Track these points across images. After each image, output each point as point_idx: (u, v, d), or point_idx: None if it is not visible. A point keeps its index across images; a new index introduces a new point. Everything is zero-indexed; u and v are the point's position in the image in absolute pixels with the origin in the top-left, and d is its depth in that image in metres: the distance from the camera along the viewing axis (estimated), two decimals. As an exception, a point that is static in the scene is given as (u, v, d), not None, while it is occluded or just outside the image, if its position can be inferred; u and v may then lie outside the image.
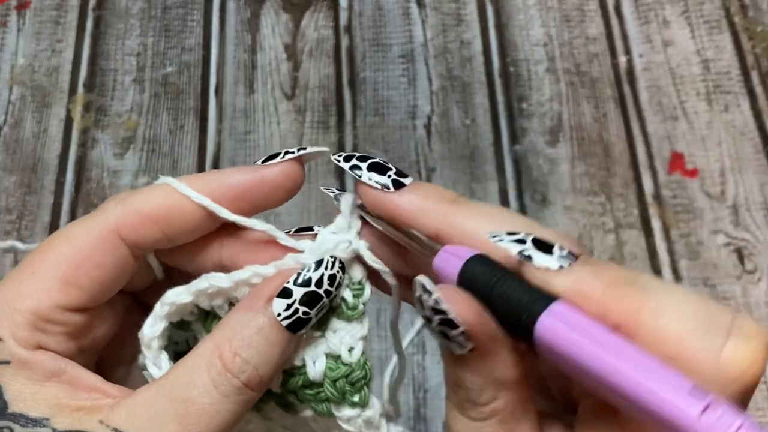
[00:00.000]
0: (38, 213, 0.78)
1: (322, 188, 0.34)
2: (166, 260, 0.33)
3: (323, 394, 0.30)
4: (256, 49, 0.88)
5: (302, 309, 0.28)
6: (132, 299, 0.34)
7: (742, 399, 0.23)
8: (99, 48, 0.88)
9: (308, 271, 0.29)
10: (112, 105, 0.84)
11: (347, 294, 0.31)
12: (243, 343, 0.27)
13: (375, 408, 0.31)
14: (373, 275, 0.32)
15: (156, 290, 0.33)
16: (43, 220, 0.78)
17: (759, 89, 0.85)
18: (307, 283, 0.28)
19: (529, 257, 0.25)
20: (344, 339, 0.30)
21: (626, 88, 0.86)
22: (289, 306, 0.28)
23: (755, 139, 0.83)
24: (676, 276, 0.77)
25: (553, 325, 0.23)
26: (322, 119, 0.84)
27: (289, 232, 0.33)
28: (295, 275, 0.28)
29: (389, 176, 0.29)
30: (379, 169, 0.29)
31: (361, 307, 0.31)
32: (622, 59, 0.87)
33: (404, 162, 0.81)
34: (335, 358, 0.30)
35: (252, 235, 0.31)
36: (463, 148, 0.82)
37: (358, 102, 0.85)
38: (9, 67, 0.86)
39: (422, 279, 0.25)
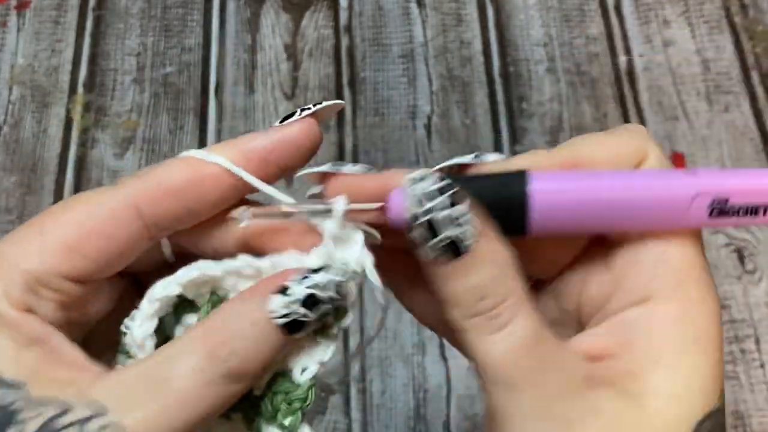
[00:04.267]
0: (38, 213, 0.78)
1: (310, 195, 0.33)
2: (182, 240, 0.31)
3: (261, 405, 0.29)
4: (256, 49, 0.88)
5: (302, 311, 0.27)
6: (130, 280, 0.33)
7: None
8: (99, 48, 0.88)
9: (315, 273, 0.28)
10: (112, 105, 0.84)
11: (331, 313, 0.29)
12: (234, 334, 0.26)
13: None
14: None
15: (158, 274, 0.32)
16: (42, 220, 0.78)
17: (759, 89, 0.85)
18: (312, 285, 0.27)
19: (480, 156, 0.27)
20: (302, 358, 0.29)
21: (626, 88, 0.86)
22: (288, 305, 0.27)
23: (755, 139, 0.83)
24: (677, 276, 0.77)
25: (544, 190, 0.26)
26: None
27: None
28: (301, 275, 0.28)
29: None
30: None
31: (335, 330, 0.29)
32: (623, 59, 0.87)
33: (404, 162, 0.81)
34: (286, 372, 0.29)
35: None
36: (463, 148, 0.82)
37: (358, 102, 0.85)
38: (9, 67, 0.86)
39: (415, 172, 0.26)
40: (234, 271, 0.29)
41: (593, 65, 0.87)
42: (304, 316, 0.27)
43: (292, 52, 0.88)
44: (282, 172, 0.30)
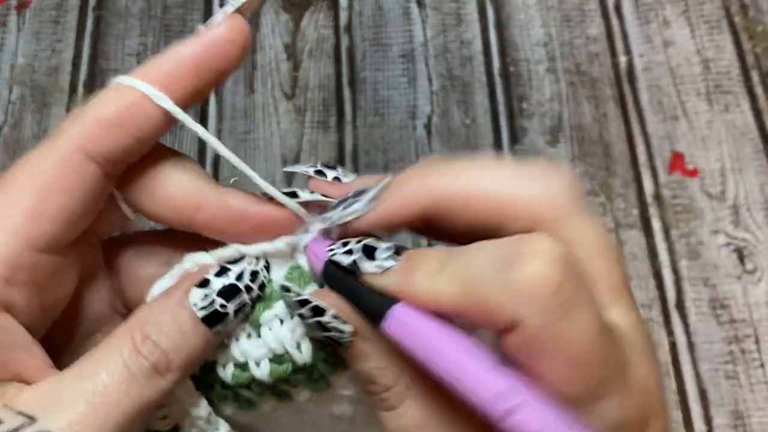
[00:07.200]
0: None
1: (292, 168, 0.33)
2: (132, 203, 0.31)
3: (317, 372, 0.30)
4: (256, 48, 0.88)
5: (219, 301, 0.27)
6: (95, 252, 0.32)
7: (549, 307, 0.24)
8: (99, 48, 0.88)
9: (233, 264, 0.29)
10: (112, 105, 0.84)
11: None
12: (155, 327, 0.27)
13: None
14: None
15: (120, 247, 0.32)
16: (43, 220, 0.78)
17: (759, 89, 0.85)
18: (224, 272, 0.28)
19: (356, 266, 0.27)
20: None
21: (626, 88, 0.86)
22: (206, 296, 0.27)
23: (755, 139, 0.83)
24: (676, 276, 0.77)
25: (393, 329, 0.26)
26: (322, 119, 0.84)
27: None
28: (217, 267, 0.28)
29: (358, 201, 0.29)
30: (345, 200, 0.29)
31: None
32: (623, 59, 0.87)
33: (404, 162, 0.81)
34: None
35: (233, 199, 0.30)
36: (463, 148, 0.82)
37: (358, 102, 0.85)
38: (9, 67, 0.86)
39: (284, 283, 0.27)
40: (226, 258, 0.30)
41: (593, 65, 0.87)
42: (222, 306, 0.27)
43: (292, 52, 0.88)
44: (219, 76, 0.29)
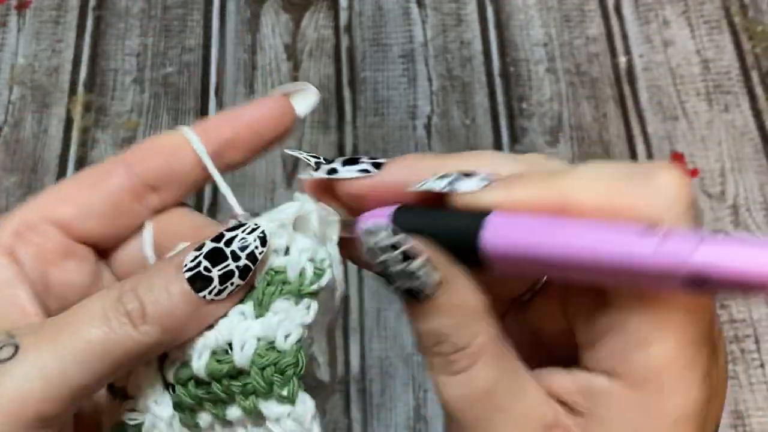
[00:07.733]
0: (38, 213, 0.78)
1: (288, 151, 0.34)
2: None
3: (250, 385, 0.28)
4: (256, 49, 0.88)
5: (204, 263, 0.27)
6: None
7: (687, 215, 0.24)
8: (99, 48, 0.88)
9: (231, 231, 0.28)
10: (112, 105, 0.84)
11: (308, 268, 0.28)
12: (144, 283, 0.27)
13: (306, 405, 0.28)
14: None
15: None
16: (43, 220, 0.78)
17: (759, 89, 0.85)
18: (218, 239, 0.28)
19: (453, 187, 0.26)
20: (284, 323, 0.28)
21: (626, 88, 0.86)
22: (195, 257, 0.27)
23: (755, 139, 0.83)
24: (676, 276, 0.77)
25: (495, 235, 0.24)
26: (322, 119, 0.84)
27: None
28: (216, 232, 0.28)
29: (363, 162, 0.28)
30: (352, 161, 0.29)
31: (314, 287, 0.28)
32: (622, 59, 0.87)
33: (404, 162, 0.82)
34: (269, 343, 0.28)
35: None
36: (463, 148, 0.82)
37: (358, 102, 0.85)
38: (9, 67, 0.86)
39: (368, 223, 0.26)
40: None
41: (593, 65, 0.87)
42: (206, 269, 0.27)
43: (292, 52, 0.88)
44: (265, 145, 0.32)
